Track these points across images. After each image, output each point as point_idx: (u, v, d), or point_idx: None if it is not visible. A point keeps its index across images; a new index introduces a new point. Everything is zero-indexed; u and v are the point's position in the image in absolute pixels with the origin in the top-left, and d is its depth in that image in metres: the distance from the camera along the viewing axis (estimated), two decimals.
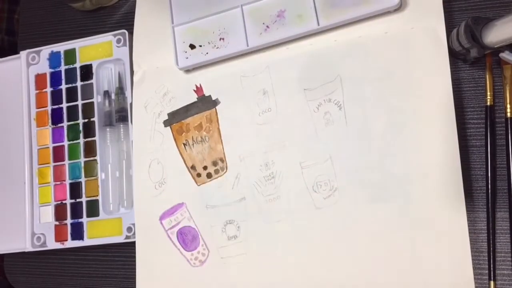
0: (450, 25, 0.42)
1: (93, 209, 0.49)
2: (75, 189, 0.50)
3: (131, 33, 0.50)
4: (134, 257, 0.47)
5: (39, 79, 0.53)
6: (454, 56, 0.42)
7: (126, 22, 0.53)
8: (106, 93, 0.51)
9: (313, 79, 0.44)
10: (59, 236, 0.50)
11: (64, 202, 0.51)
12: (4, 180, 0.54)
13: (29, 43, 0.56)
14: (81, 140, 0.51)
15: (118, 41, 0.50)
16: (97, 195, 0.49)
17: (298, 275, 0.42)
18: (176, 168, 0.47)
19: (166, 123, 0.48)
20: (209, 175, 0.46)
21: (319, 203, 0.42)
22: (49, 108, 0.52)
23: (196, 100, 0.47)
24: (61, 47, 0.53)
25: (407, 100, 0.41)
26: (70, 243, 0.50)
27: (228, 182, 0.45)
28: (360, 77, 0.42)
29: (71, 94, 0.52)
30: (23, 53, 0.54)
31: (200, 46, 0.46)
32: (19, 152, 0.53)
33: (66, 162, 0.51)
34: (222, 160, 0.46)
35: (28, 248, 0.50)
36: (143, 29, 0.49)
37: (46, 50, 0.53)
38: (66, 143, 0.51)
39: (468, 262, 0.38)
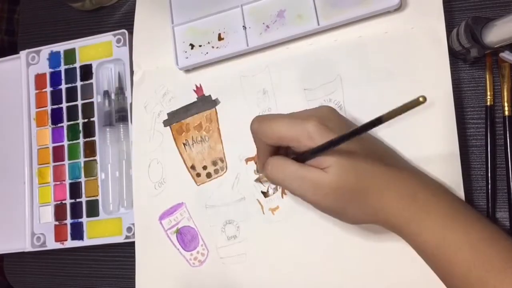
0: (450, 25, 0.42)
1: (93, 209, 0.49)
2: (75, 189, 0.50)
3: (131, 33, 0.50)
4: (134, 257, 0.47)
5: (39, 79, 0.53)
6: (454, 56, 0.42)
7: (126, 22, 0.53)
8: (106, 93, 0.51)
9: (313, 79, 0.44)
10: (59, 236, 0.50)
11: (64, 202, 0.51)
12: (4, 180, 0.54)
13: (29, 43, 0.56)
14: (81, 140, 0.51)
15: (118, 41, 0.50)
16: (97, 195, 0.49)
17: (298, 275, 0.42)
18: (175, 168, 0.47)
19: (166, 123, 0.48)
20: (208, 175, 0.46)
21: None
22: (49, 108, 0.52)
23: (196, 100, 0.47)
24: (61, 47, 0.53)
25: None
26: (70, 243, 0.49)
27: (228, 182, 0.45)
28: (360, 77, 0.42)
29: (71, 94, 0.52)
30: (23, 53, 0.54)
31: (200, 46, 0.46)
32: (18, 152, 0.53)
33: (66, 162, 0.51)
34: (222, 160, 0.46)
35: (28, 248, 0.50)
36: (143, 29, 0.49)
37: (46, 50, 0.53)
38: (66, 143, 0.51)
39: None
